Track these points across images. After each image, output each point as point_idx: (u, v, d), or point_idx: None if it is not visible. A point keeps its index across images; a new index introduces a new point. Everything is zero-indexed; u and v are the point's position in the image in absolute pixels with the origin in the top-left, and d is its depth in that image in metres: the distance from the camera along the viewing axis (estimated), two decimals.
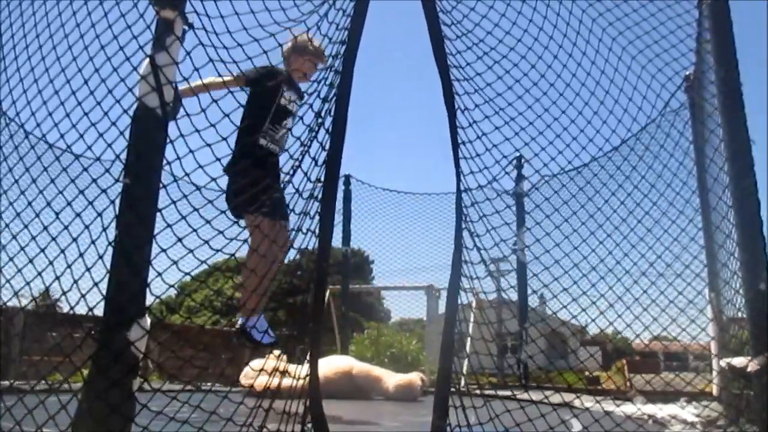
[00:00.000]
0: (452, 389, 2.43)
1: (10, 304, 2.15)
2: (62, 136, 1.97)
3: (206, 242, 1.96)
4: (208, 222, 1.96)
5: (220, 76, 2.17)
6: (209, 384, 4.02)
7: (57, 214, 1.94)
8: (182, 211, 1.90)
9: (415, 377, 5.55)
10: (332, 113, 2.42)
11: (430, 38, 2.62)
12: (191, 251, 1.92)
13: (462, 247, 2.56)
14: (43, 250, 1.98)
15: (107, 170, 1.85)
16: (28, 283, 1.97)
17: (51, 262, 1.87)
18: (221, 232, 2.02)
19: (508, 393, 3.26)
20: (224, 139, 1.96)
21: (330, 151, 2.41)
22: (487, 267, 2.82)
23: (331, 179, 2.41)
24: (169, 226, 1.82)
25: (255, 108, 3.22)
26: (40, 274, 1.90)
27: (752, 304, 2.39)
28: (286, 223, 3.22)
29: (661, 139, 3.28)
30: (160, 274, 1.78)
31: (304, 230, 2.40)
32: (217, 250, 2.03)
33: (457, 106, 2.72)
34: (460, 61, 2.79)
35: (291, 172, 2.45)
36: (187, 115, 1.87)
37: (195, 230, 1.92)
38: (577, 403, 3.11)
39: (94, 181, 1.86)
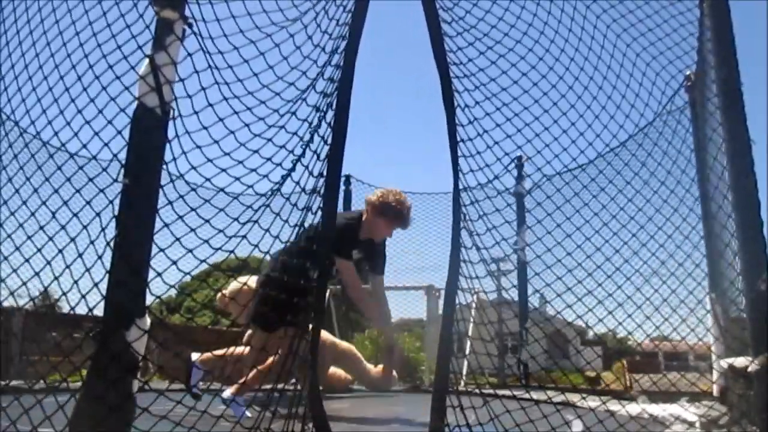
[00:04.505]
0: (450, 389, 2.43)
1: (8, 303, 2.15)
2: (71, 140, 1.98)
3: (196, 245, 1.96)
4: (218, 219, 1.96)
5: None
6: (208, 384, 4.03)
7: (65, 215, 1.93)
8: (182, 211, 1.91)
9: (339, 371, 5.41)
10: (334, 107, 2.41)
11: (429, 35, 2.60)
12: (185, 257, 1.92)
13: (460, 246, 2.55)
14: (39, 250, 1.98)
15: (104, 170, 1.84)
16: (24, 284, 1.97)
17: (48, 262, 1.87)
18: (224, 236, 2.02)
19: (507, 393, 3.26)
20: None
21: (332, 145, 2.40)
22: (488, 266, 2.80)
23: (333, 173, 2.40)
24: (182, 221, 1.82)
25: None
26: (37, 274, 1.89)
27: (753, 304, 2.39)
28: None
29: (668, 136, 3.27)
30: (159, 274, 1.78)
31: (306, 226, 2.41)
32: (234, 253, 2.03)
33: (456, 104, 2.70)
34: (461, 58, 2.77)
35: (292, 166, 2.43)
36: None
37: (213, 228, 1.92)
38: (578, 403, 3.11)
39: (103, 186, 1.86)
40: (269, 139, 2.17)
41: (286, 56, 2.20)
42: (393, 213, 3.02)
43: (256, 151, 2.13)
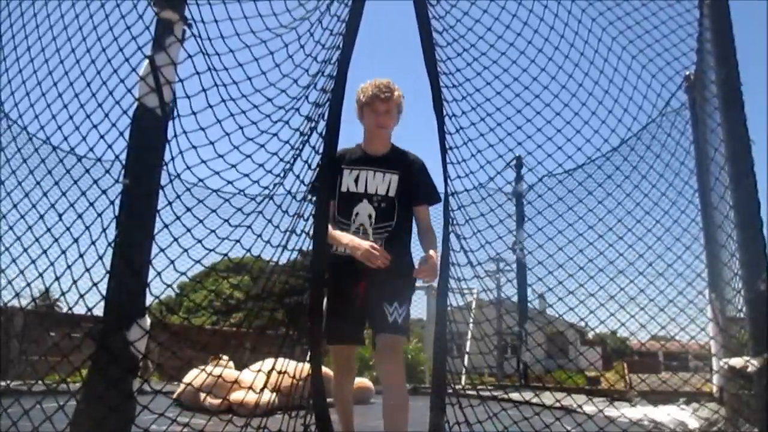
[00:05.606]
0: (449, 389, 2.45)
1: (9, 304, 2.14)
2: (65, 138, 1.98)
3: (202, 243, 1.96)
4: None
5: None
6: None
7: (60, 215, 1.93)
8: (182, 211, 1.91)
9: (366, 381, 5.43)
10: (325, 118, 2.42)
11: (421, 45, 2.61)
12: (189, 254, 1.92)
13: (449, 249, 2.59)
14: (45, 252, 1.98)
15: (107, 171, 1.84)
16: (28, 284, 1.97)
17: (52, 263, 1.86)
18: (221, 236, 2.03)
19: (505, 394, 3.26)
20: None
21: (323, 155, 2.42)
22: (473, 268, 2.84)
23: (324, 182, 2.42)
24: (185, 222, 1.82)
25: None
26: (40, 275, 1.89)
27: (752, 304, 2.38)
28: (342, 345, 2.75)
29: (662, 139, 3.27)
30: (159, 273, 1.78)
31: (298, 231, 2.41)
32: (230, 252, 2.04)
33: (445, 113, 2.72)
34: (450, 68, 2.79)
35: (282, 173, 2.42)
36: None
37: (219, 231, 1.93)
38: (576, 406, 3.11)
39: (104, 187, 1.86)
40: (262, 145, 2.18)
41: (279, 63, 2.20)
42: (367, 95, 2.78)
43: (248, 156, 2.13)
